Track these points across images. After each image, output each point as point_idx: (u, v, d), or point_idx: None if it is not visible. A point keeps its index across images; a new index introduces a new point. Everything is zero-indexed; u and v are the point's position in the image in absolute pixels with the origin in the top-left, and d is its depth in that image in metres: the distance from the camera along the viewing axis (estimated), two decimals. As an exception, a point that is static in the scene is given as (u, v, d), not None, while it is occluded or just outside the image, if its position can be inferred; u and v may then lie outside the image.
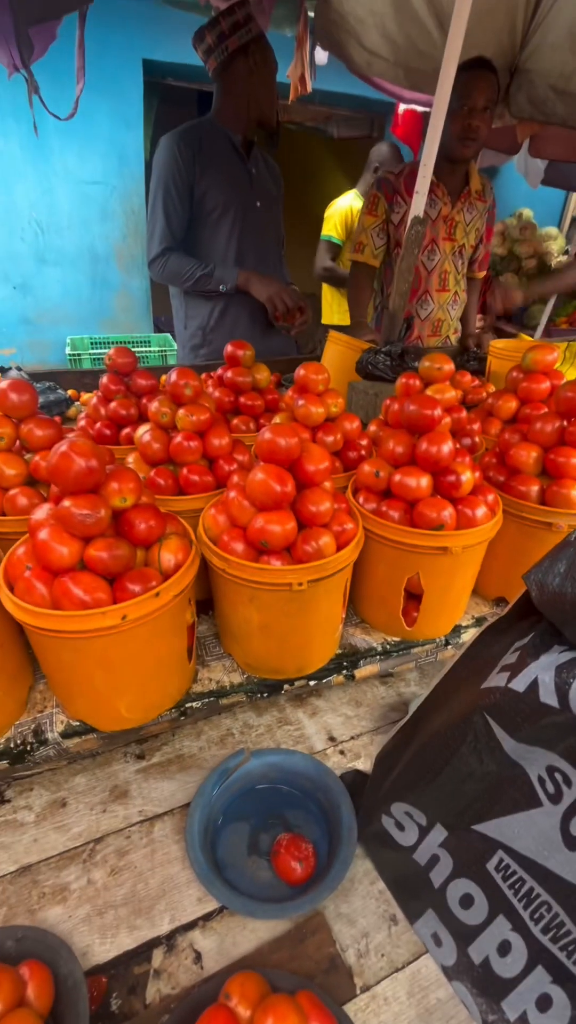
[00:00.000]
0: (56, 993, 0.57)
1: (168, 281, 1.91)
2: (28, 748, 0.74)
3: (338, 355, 1.70)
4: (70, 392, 1.96)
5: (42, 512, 0.68)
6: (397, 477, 0.82)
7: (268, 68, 1.73)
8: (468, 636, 0.99)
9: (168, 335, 3.71)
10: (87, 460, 0.61)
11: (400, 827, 0.71)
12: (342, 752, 0.92)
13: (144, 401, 1.08)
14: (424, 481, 0.81)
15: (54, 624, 0.60)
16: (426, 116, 3.31)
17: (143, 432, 0.91)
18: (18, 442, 0.85)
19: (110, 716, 0.74)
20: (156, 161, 1.79)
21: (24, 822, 0.80)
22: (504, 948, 0.60)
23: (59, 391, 1.84)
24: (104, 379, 1.07)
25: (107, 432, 1.08)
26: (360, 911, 0.70)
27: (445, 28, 2.10)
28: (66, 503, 0.61)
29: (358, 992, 0.62)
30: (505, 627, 0.69)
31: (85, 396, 1.93)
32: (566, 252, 3.84)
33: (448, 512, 0.79)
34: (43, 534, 0.63)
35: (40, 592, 0.63)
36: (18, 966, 0.57)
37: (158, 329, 4.18)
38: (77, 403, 1.91)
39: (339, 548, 0.75)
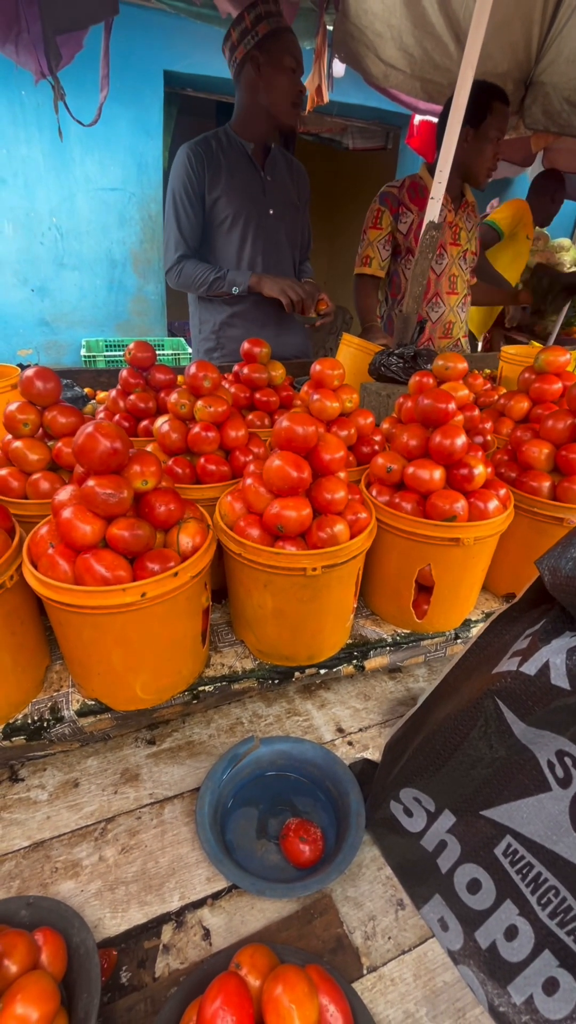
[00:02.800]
0: (69, 961, 0.58)
1: (184, 288, 1.95)
2: (45, 724, 0.75)
3: (351, 357, 1.72)
4: (86, 390, 2.00)
5: (65, 493, 0.70)
6: (411, 469, 0.84)
7: (286, 62, 1.72)
8: (478, 631, 1.00)
9: (182, 339, 3.77)
10: (112, 441, 0.63)
11: (408, 813, 0.72)
12: (350, 743, 0.93)
13: (162, 395, 1.10)
14: (437, 474, 0.82)
15: (76, 599, 0.62)
16: (439, 127, 3.37)
17: (162, 422, 0.93)
18: (41, 429, 0.88)
19: (125, 696, 0.75)
20: (171, 171, 1.85)
21: (37, 800, 0.81)
22: (511, 933, 0.61)
23: (76, 388, 1.88)
24: (123, 373, 1.10)
25: (125, 424, 1.10)
26: (367, 895, 0.70)
27: (461, 41, 2.16)
28: (90, 482, 0.64)
29: (365, 972, 0.62)
30: (517, 615, 0.70)
31: (101, 394, 1.97)
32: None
33: (460, 504, 0.80)
34: (67, 513, 0.65)
35: (63, 569, 0.65)
36: (32, 932, 0.58)
37: (171, 334, 4.25)
38: (93, 401, 1.95)
39: (352, 536, 0.77)
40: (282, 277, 1.83)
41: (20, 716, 0.76)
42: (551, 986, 0.57)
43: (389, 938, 0.66)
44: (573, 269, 3.83)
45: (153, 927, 0.66)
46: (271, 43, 1.67)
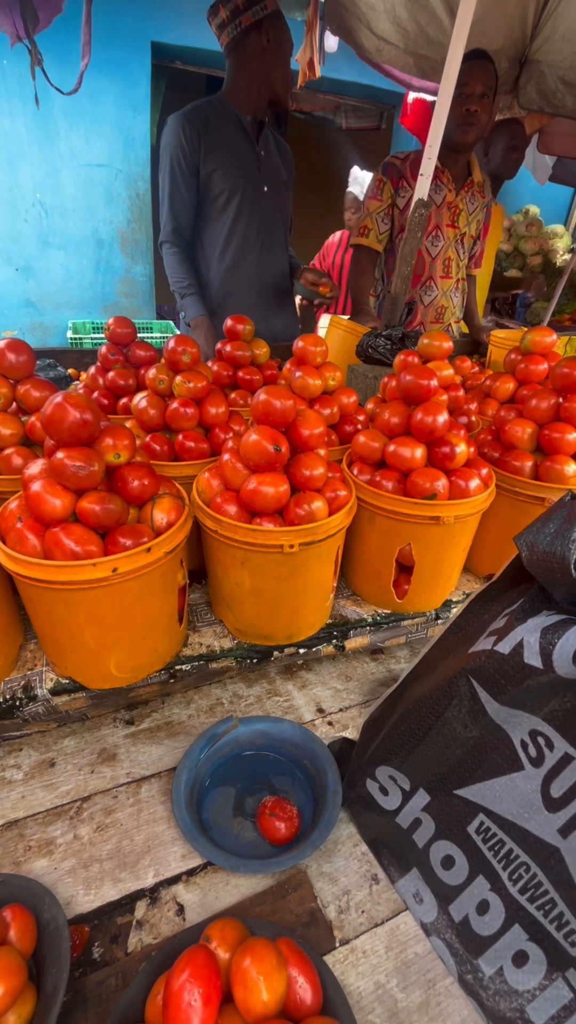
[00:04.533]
0: (38, 937, 0.58)
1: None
2: (17, 704, 0.74)
3: (339, 339, 1.70)
4: (70, 371, 1.96)
5: (36, 467, 0.68)
6: (391, 447, 0.83)
7: (282, 46, 1.70)
8: (457, 610, 1.00)
9: (171, 322, 3.70)
10: (82, 412, 0.61)
11: (384, 791, 0.72)
12: (330, 723, 0.93)
13: (142, 372, 1.08)
14: (419, 452, 0.81)
15: (45, 574, 0.61)
16: (435, 104, 3.30)
17: (140, 398, 0.91)
18: (15, 403, 0.85)
19: (99, 674, 0.74)
20: (163, 142, 1.77)
21: (12, 780, 0.80)
22: (483, 907, 0.61)
23: (59, 368, 1.84)
24: (103, 349, 1.07)
25: (104, 402, 1.08)
26: (342, 870, 0.70)
27: (456, 15, 2.11)
28: (59, 455, 0.62)
29: (337, 945, 0.62)
30: (495, 595, 0.70)
31: (85, 375, 1.93)
32: (572, 250, 3.83)
33: (441, 483, 0.80)
34: (36, 486, 0.63)
35: (32, 544, 0.63)
36: (1, 910, 0.57)
37: (161, 317, 4.17)
38: (76, 382, 1.91)
39: (331, 513, 0.76)
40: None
41: (-8, 695, 0.74)
42: (520, 959, 0.57)
43: (362, 912, 0.66)
44: (567, 256, 3.81)
45: (127, 903, 0.66)
46: (283, 20, 1.65)
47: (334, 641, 0.91)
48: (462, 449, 0.81)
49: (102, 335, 3.45)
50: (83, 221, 3.58)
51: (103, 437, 0.66)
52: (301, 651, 0.89)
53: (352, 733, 0.91)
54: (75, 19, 1.80)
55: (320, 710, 0.95)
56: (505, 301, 3.53)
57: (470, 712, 0.62)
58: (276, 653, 0.87)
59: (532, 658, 0.57)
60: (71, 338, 3.35)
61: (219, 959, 0.52)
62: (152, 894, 0.67)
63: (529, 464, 0.90)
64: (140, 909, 0.66)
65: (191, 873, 0.69)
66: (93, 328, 3.61)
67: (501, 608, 0.66)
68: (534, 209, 3.96)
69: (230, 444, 0.79)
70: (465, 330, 2.41)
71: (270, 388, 0.71)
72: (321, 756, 0.81)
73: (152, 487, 0.70)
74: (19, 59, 3.03)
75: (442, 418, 0.79)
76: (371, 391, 1.40)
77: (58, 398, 0.61)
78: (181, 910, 0.66)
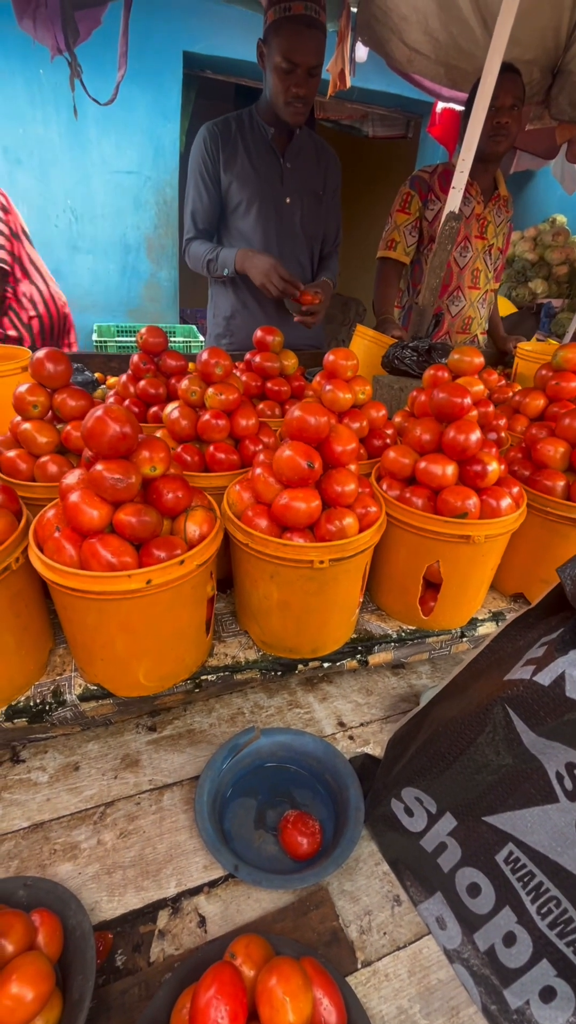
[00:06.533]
0: (64, 943, 0.59)
1: (195, 269, 1.93)
2: (47, 708, 0.75)
3: (364, 349, 1.70)
4: (97, 375, 2.00)
5: (73, 477, 0.69)
6: (423, 464, 0.82)
7: (276, 61, 1.64)
8: (484, 630, 0.99)
9: (194, 327, 3.74)
10: (122, 426, 0.62)
11: (409, 812, 0.71)
12: (351, 737, 0.92)
13: (172, 382, 1.09)
14: (450, 469, 0.81)
15: (81, 584, 0.62)
16: (464, 114, 3.29)
17: (172, 409, 0.92)
18: (51, 412, 0.87)
19: (128, 682, 0.75)
20: (191, 152, 1.82)
21: (38, 782, 0.82)
22: (509, 939, 0.60)
23: (86, 372, 1.87)
24: (135, 358, 1.08)
25: (135, 410, 1.09)
26: (364, 890, 0.70)
27: (489, 26, 2.10)
28: (98, 467, 0.63)
29: (359, 966, 0.62)
30: (533, 621, 0.69)
31: (111, 379, 1.96)
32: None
33: (473, 501, 0.79)
34: (74, 497, 0.64)
35: (69, 553, 0.64)
36: (29, 913, 0.58)
37: (184, 321, 4.22)
38: (103, 386, 1.94)
39: (361, 530, 0.76)
40: (263, 258, 1.72)
41: (23, 698, 0.76)
42: (548, 994, 0.56)
43: (385, 933, 0.65)
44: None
45: (149, 912, 0.67)
46: (271, 35, 1.59)
47: (358, 656, 0.91)
48: (494, 468, 0.81)
49: (126, 339, 3.51)
50: (111, 227, 3.65)
51: (140, 450, 0.67)
52: (325, 665, 0.89)
53: (373, 748, 0.90)
54: (111, 31, 1.85)
55: (341, 723, 0.95)
56: (529, 311, 3.50)
57: (504, 740, 0.61)
58: (300, 666, 0.87)
59: (575, 692, 0.57)
60: (96, 341, 3.40)
61: (244, 976, 0.52)
62: (174, 904, 0.68)
63: (561, 484, 0.89)
64: (162, 919, 0.66)
65: (213, 884, 0.70)
66: (118, 331, 3.67)
67: (538, 635, 0.65)
68: (561, 218, 3.92)
69: (261, 458, 0.79)
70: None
71: (305, 404, 0.72)
72: (343, 771, 0.80)
73: (186, 499, 0.71)
74: (55, 70, 3.10)
75: (475, 436, 0.79)
76: (396, 402, 1.40)
77: (99, 411, 0.62)
78: (203, 922, 0.66)
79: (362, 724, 0.95)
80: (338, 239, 2.09)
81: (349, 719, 0.96)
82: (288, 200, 1.87)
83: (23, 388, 0.84)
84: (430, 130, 3.50)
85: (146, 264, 3.84)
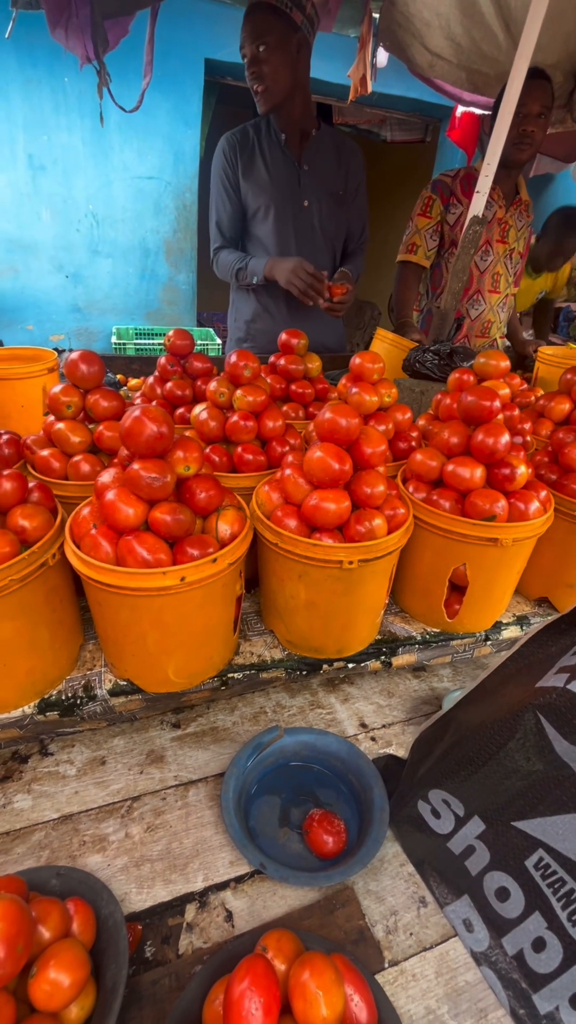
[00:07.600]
0: (97, 932, 0.60)
1: (224, 278, 1.96)
2: (78, 702, 0.77)
3: (385, 353, 1.70)
4: (119, 376, 2.03)
5: (108, 475, 0.71)
6: (450, 467, 0.83)
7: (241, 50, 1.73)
8: (508, 633, 0.99)
9: (211, 330, 3.78)
10: (159, 426, 0.64)
11: (436, 814, 0.71)
12: (373, 739, 0.93)
13: (198, 383, 1.11)
14: (478, 472, 0.81)
15: (117, 580, 0.63)
16: (484, 119, 3.28)
17: (200, 410, 0.94)
18: (83, 412, 0.89)
19: (157, 678, 0.76)
20: (212, 162, 1.87)
21: (66, 775, 0.83)
22: (539, 944, 0.60)
23: (108, 374, 1.90)
24: (162, 360, 1.10)
25: (161, 411, 1.11)
26: (389, 890, 0.70)
27: (512, 31, 2.10)
28: (135, 466, 0.64)
29: (386, 965, 0.62)
30: (565, 628, 0.68)
31: (133, 381, 1.99)
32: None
33: (501, 504, 0.79)
34: (111, 495, 0.66)
35: (105, 550, 0.66)
36: (64, 901, 0.59)
37: (201, 324, 4.26)
38: (125, 388, 1.97)
39: (390, 531, 0.76)
40: (288, 260, 1.75)
41: (55, 692, 0.77)
42: (578, 998, 0.56)
43: (411, 934, 0.66)
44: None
45: (177, 905, 0.68)
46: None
47: (382, 657, 0.91)
48: (522, 471, 0.81)
49: (144, 341, 3.55)
50: (131, 231, 3.70)
51: (175, 449, 0.68)
52: (350, 666, 0.89)
53: (396, 750, 0.90)
54: (136, 40, 1.88)
55: (363, 725, 0.95)
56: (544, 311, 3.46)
57: (535, 747, 0.61)
58: (325, 666, 0.87)
59: None
60: (115, 343, 3.45)
61: (276, 969, 0.52)
62: (201, 898, 0.68)
63: (589, 488, 0.89)
64: (190, 912, 0.67)
65: (239, 880, 0.70)
66: (136, 333, 3.72)
67: (571, 642, 0.65)
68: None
69: (290, 459, 0.80)
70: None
71: (335, 406, 0.73)
72: (367, 772, 0.81)
73: (217, 499, 0.72)
74: (80, 78, 3.16)
75: (504, 439, 0.79)
76: (417, 405, 1.40)
77: (137, 412, 0.64)
78: (229, 916, 0.67)
79: (384, 726, 0.95)
80: (364, 236, 2.06)
81: (371, 720, 0.96)
82: (306, 203, 1.88)
83: (57, 388, 0.86)
84: (449, 134, 3.49)
85: (165, 268, 3.89)
